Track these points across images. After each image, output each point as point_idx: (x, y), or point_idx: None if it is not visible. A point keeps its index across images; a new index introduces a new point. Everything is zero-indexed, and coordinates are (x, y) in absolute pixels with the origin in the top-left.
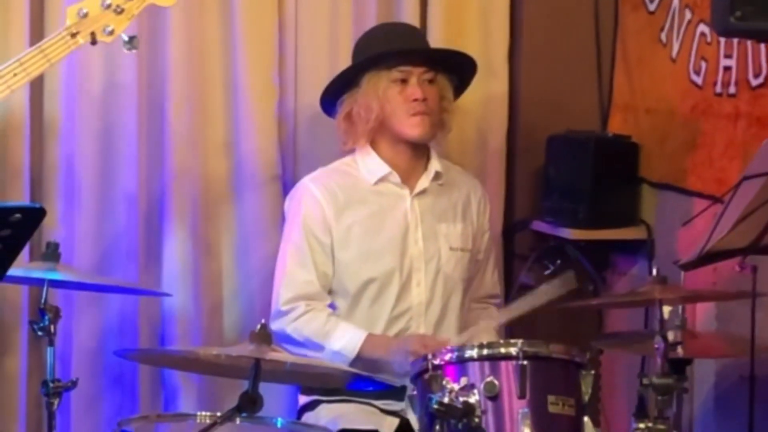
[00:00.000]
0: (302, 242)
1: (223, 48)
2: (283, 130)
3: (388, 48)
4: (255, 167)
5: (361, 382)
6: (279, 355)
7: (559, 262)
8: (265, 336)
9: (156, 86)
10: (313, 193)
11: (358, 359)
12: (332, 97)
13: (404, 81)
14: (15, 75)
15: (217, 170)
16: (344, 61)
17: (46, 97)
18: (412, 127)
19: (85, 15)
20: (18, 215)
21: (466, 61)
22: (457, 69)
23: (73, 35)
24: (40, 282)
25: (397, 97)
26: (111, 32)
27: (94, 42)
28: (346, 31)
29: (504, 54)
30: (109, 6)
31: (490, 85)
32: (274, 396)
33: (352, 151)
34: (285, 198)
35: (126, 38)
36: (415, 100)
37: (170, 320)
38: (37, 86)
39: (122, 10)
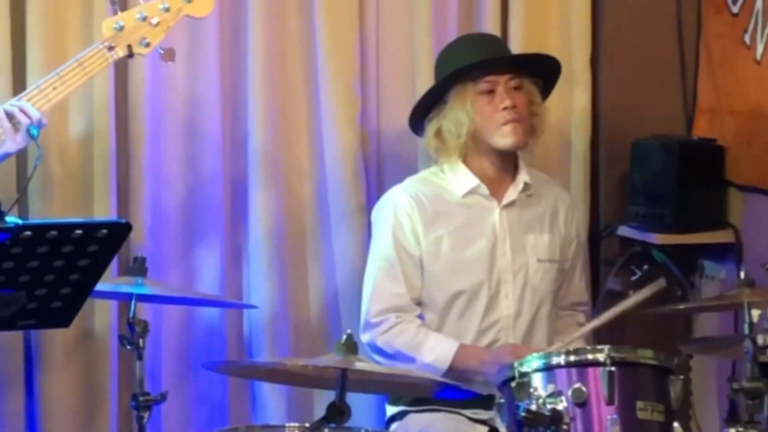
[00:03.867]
0: (392, 254)
1: (305, 59)
2: (365, 140)
3: (471, 60)
4: (339, 178)
5: (448, 390)
6: (365, 365)
7: (646, 267)
8: (351, 346)
9: (238, 99)
10: (402, 204)
11: (450, 371)
12: (418, 116)
13: (491, 91)
14: (55, 89)
15: (301, 182)
16: (425, 71)
17: (131, 114)
18: (505, 136)
19: (122, 28)
20: (105, 231)
21: (550, 62)
22: (541, 72)
23: (110, 48)
24: (128, 296)
25: (486, 107)
26: (147, 44)
27: (131, 55)
28: (427, 41)
29: (586, 60)
30: (144, 18)
31: (572, 92)
32: (361, 406)
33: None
34: (369, 207)
35: (162, 50)
36: (505, 108)
37: (257, 332)
38: (122, 103)
39: (158, 23)
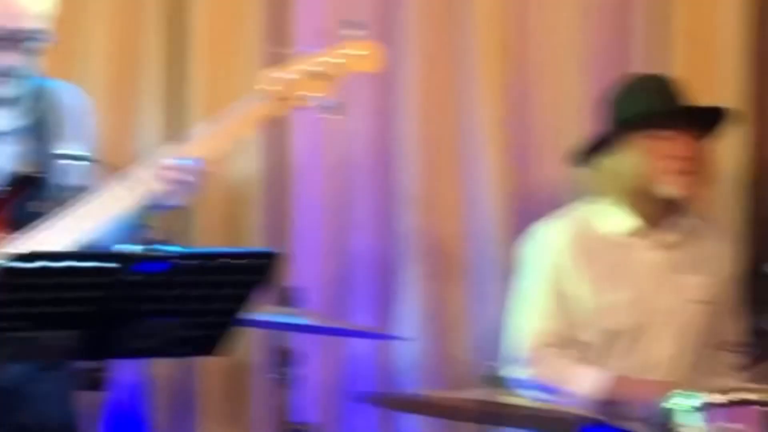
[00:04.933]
0: (542, 291)
1: (457, 105)
2: (514, 176)
3: (651, 108)
4: (489, 212)
5: (596, 428)
6: (513, 399)
7: None
8: (499, 380)
9: (389, 139)
10: (553, 240)
11: (602, 403)
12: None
13: (667, 138)
14: (218, 138)
15: (451, 216)
16: (574, 114)
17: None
18: (675, 187)
19: (289, 80)
20: (256, 260)
21: (727, 113)
22: (717, 121)
23: (278, 99)
24: (279, 326)
25: (660, 155)
26: (314, 97)
27: (296, 106)
28: (577, 84)
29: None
30: (312, 71)
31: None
32: None
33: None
34: (518, 240)
35: (329, 104)
36: (679, 158)
37: (407, 365)
38: (276, 141)
39: (326, 76)
